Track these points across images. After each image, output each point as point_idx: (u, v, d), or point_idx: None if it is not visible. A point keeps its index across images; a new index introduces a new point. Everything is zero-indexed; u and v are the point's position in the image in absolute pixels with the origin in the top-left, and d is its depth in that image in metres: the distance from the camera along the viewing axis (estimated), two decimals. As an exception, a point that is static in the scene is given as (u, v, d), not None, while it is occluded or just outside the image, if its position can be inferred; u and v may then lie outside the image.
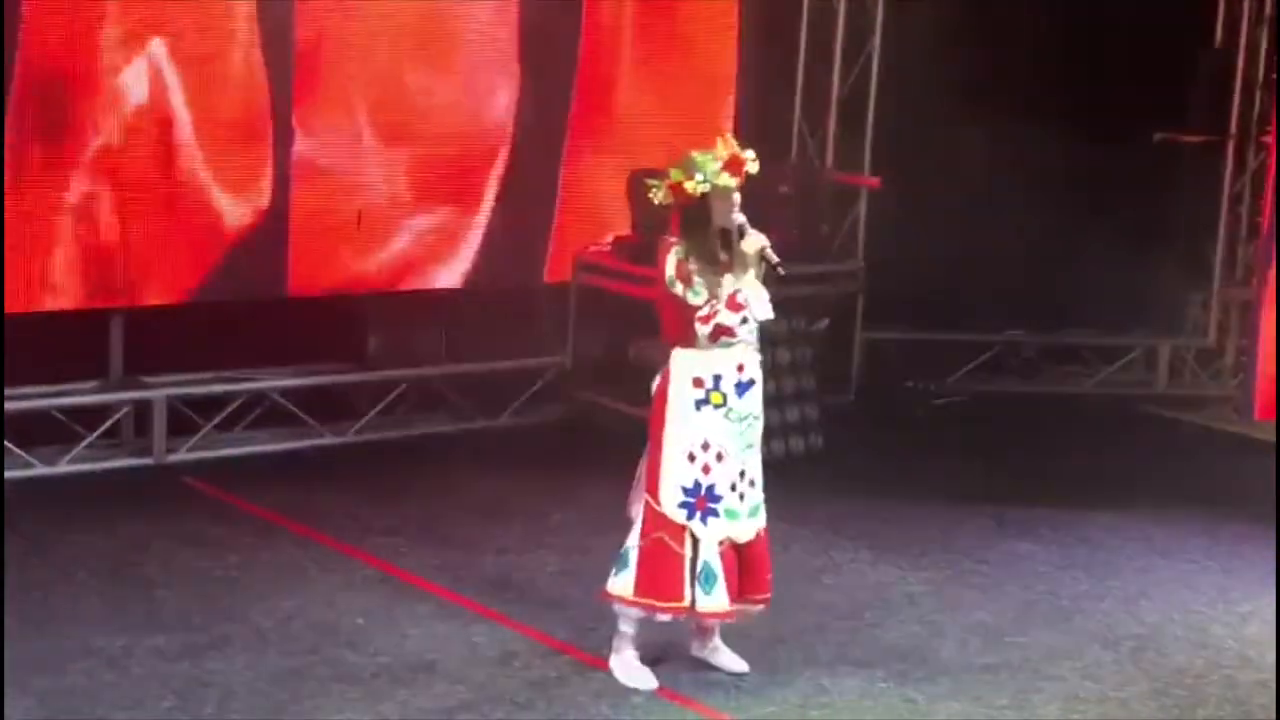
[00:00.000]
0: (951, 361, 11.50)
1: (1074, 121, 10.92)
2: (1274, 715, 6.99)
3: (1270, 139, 10.97)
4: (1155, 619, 7.93)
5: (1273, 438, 10.53)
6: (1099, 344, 11.80)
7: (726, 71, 10.81)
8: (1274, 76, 11.10)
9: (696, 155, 6.76)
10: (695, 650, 7.15)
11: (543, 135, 10.24)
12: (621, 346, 10.14)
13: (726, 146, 6.78)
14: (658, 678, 6.94)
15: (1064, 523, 9.14)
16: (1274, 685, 7.22)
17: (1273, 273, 10.02)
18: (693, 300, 6.74)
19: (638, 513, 6.92)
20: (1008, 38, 10.59)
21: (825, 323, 10.67)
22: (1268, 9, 11.36)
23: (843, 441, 10.12)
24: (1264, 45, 11.40)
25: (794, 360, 9.96)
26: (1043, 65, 10.58)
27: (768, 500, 6.96)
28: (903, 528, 8.96)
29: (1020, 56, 10.50)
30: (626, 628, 6.96)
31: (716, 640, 7.14)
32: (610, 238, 10.41)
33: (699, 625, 7.08)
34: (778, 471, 7.00)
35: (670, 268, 6.77)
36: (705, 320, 6.74)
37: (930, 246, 10.70)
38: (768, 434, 7.40)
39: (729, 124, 10.53)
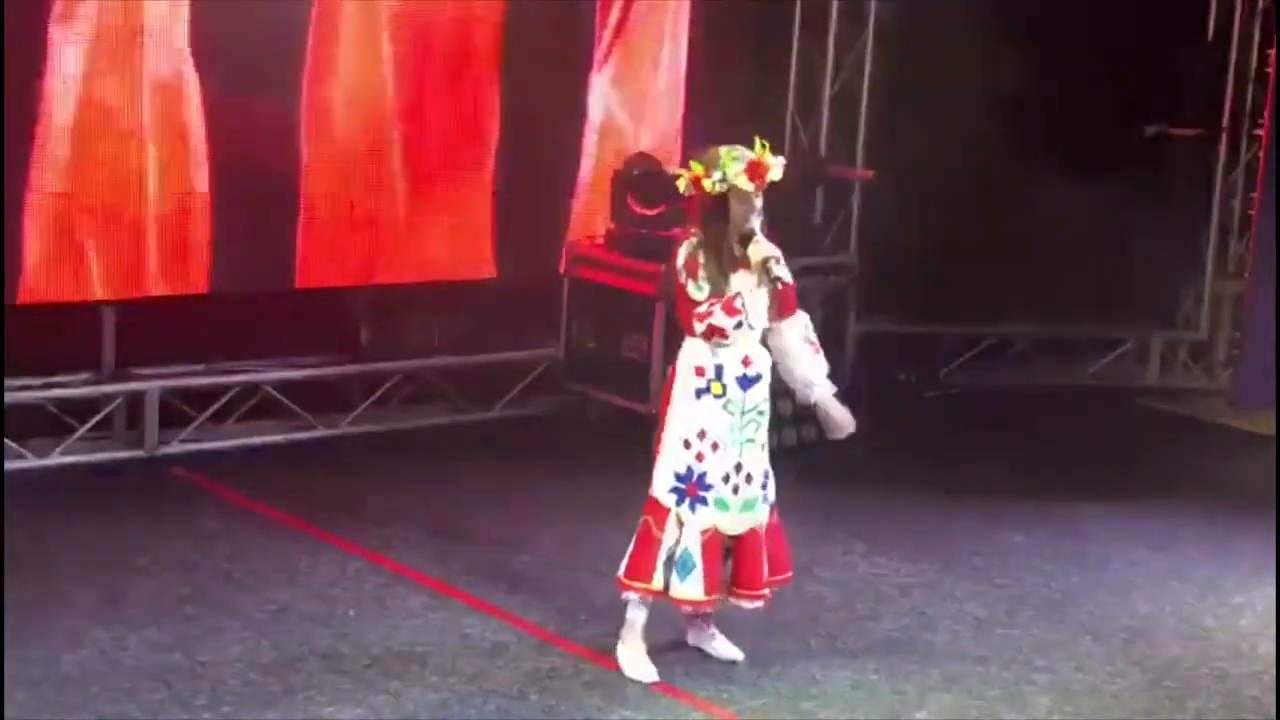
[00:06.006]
0: (944, 354, 11.50)
1: (1066, 115, 10.93)
2: (1267, 706, 7.00)
3: (1263, 132, 10.98)
4: (1147, 611, 7.94)
5: (1262, 430, 10.56)
6: (1091, 337, 11.81)
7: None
8: (1266, 70, 11.10)
9: (723, 152, 6.75)
10: (691, 639, 7.16)
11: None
12: (614, 339, 10.14)
13: (757, 151, 6.76)
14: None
15: (1056, 515, 9.15)
16: (1265, 677, 7.23)
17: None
18: (694, 294, 6.78)
19: None
20: (1000, 31, 10.58)
21: (818, 315, 10.64)
22: (1260, 2, 11.36)
23: (835, 434, 10.11)
24: (1256, 38, 11.40)
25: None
26: (1035, 58, 10.56)
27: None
28: (895, 520, 8.97)
29: (1012, 50, 10.49)
30: (633, 616, 6.95)
31: (712, 629, 7.15)
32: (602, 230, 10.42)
33: (693, 614, 7.08)
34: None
35: (681, 258, 6.81)
36: (701, 319, 6.77)
37: (923, 239, 10.70)
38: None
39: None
